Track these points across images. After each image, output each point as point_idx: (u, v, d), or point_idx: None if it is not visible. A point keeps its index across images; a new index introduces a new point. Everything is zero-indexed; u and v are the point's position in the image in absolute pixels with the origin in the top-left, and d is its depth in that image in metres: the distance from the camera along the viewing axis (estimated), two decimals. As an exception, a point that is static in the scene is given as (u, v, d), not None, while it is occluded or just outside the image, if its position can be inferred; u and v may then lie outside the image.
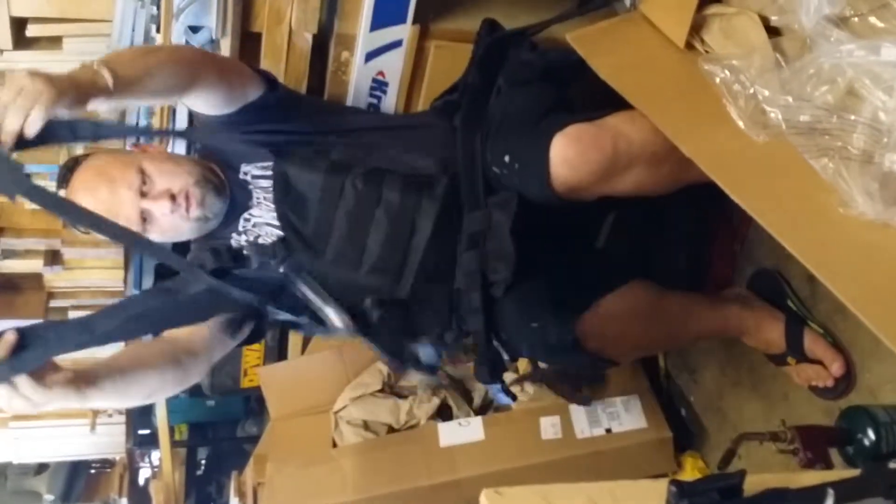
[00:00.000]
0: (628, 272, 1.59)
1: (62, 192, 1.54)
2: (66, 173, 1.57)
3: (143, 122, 2.28)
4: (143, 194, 1.52)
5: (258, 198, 1.64)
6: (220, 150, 1.68)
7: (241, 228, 1.66)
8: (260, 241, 1.64)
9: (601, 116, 1.45)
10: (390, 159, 1.59)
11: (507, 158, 1.46)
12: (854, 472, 0.96)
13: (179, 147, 2.13)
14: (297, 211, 1.59)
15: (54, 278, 3.13)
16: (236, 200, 1.65)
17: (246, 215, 1.65)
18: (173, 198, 1.53)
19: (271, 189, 1.61)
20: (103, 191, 1.51)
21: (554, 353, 1.61)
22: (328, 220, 1.56)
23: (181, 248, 1.76)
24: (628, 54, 1.48)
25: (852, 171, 1.15)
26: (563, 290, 1.52)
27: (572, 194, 1.44)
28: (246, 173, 1.65)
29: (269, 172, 1.62)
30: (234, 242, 1.65)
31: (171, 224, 1.55)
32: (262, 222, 1.64)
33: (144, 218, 1.53)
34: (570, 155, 1.40)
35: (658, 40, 1.48)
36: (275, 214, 1.61)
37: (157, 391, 1.51)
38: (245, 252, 1.58)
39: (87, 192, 1.52)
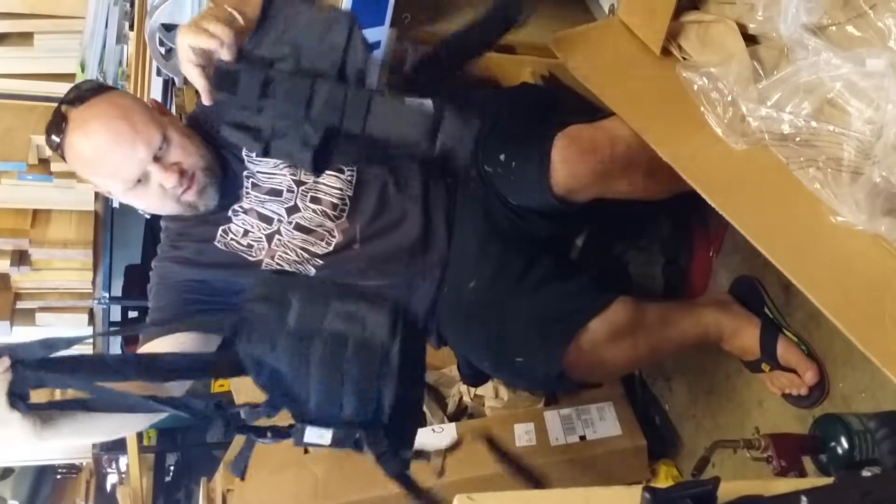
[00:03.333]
0: (606, 287, 1.58)
1: (68, 111, 1.47)
2: (81, 96, 1.49)
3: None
4: (155, 158, 1.47)
5: (247, 191, 1.60)
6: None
7: (229, 221, 1.61)
8: (248, 236, 1.60)
9: (598, 119, 1.45)
10: None
11: (502, 157, 1.46)
12: (828, 480, 0.96)
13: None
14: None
15: (21, 279, 3.09)
16: (227, 188, 1.60)
17: (237, 206, 1.61)
18: (182, 173, 1.48)
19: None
20: (121, 135, 1.45)
21: (538, 385, 1.62)
22: None
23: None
24: (607, 59, 1.48)
25: (839, 182, 1.15)
26: (544, 317, 1.50)
27: (568, 196, 1.43)
28: (248, 154, 1.60)
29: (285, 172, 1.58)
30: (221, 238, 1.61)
31: (160, 198, 1.51)
32: (252, 209, 1.61)
33: (141, 180, 1.47)
34: (569, 156, 1.40)
35: (636, 46, 1.48)
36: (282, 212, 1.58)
37: (124, 425, 1.46)
38: None
39: (102, 130, 1.45)
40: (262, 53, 1.22)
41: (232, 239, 1.60)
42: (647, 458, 1.95)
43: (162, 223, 1.67)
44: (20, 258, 3.03)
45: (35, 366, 1.09)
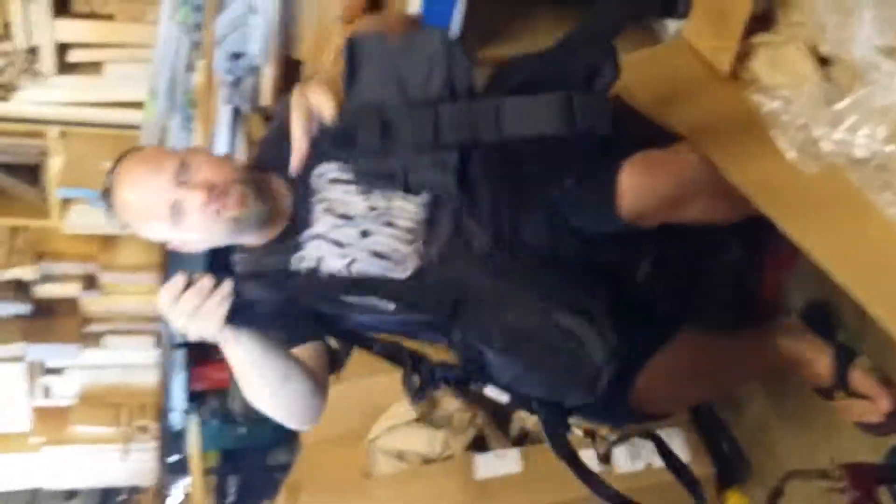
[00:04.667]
0: (674, 316, 1.56)
1: (110, 180, 1.48)
2: (114, 165, 1.51)
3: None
4: (180, 183, 1.42)
5: (318, 217, 1.55)
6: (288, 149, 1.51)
7: (301, 248, 1.56)
8: (323, 264, 1.56)
9: (666, 143, 1.43)
10: None
11: (568, 181, 1.45)
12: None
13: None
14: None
15: (91, 303, 3.16)
16: (296, 215, 1.55)
17: (309, 231, 1.56)
18: (211, 189, 1.42)
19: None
20: (142, 176, 1.45)
21: (606, 419, 1.60)
22: None
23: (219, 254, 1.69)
24: (673, 82, 1.47)
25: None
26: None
27: (636, 221, 1.42)
28: (321, 175, 1.55)
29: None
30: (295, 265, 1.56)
31: (202, 222, 1.44)
32: (327, 236, 1.55)
33: (175, 210, 1.43)
34: (638, 181, 1.38)
35: (703, 68, 1.47)
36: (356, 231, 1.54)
37: (291, 392, 1.41)
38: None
39: (129, 179, 1.46)
40: (367, 100, 1.22)
41: (307, 269, 1.55)
42: (716, 485, 1.92)
43: (232, 258, 1.63)
44: (90, 283, 3.11)
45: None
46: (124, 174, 1.47)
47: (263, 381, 1.38)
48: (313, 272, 1.54)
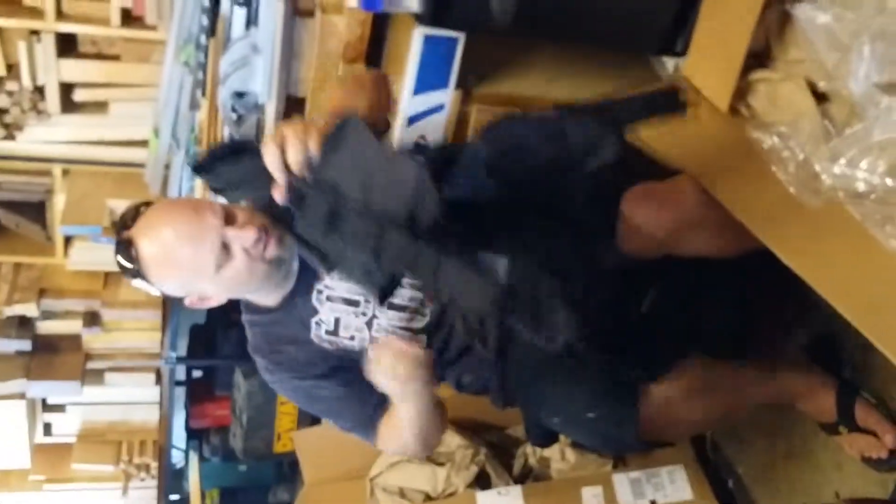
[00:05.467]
0: (679, 345, 1.56)
1: (128, 233, 1.40)
2: (135, 213, 1.43)
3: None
4: (228, 224, 1.38)
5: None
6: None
7: (317, 312, 1.55)
8: (344, 328, 1.54)
9: (670, 176, 1.45)
10: None
11: (571, 213, 1.45)
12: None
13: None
14: None
15: (92, 340, 3.16)
16: (303, 268, 1.52)
17: (319, 286, 1.54)
18: (260, 228, 1.39)
19: None
20: (185, 217, 1.38)
21: (609, 443, 1.59)
22: None
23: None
24: (673, 119, 1.48)
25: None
26: (616, 371, 1.49)
27: (638, 252, 1.43)
28: None
29: None
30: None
31: (248, 264, 1.40)
32: (337, 296, 1.54)
33: (224, 249, 1.38)
34: (640, 211, 1.40)
35: (703, 106, 1.48)
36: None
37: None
38: None
39: (164, 222, 1.39)
40: (330, 178, 1.19)
41: (327, 332, 1.54)
42: (721, 523, 1.91)
43: (244, 319, 1.61)
44: (92, 319, 3.11)
45: None
46: (158, 222, 1.39)
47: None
48: (333, 333, 1.55)
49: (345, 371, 1.58)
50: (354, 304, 1.53)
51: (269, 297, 1.52)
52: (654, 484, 1.93)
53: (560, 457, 2.06)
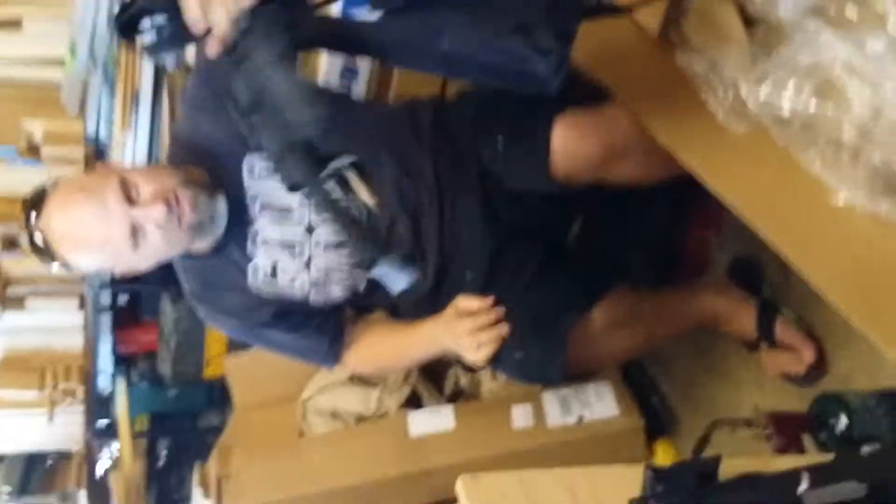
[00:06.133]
0: (603, 276, 1.58)
1: (34, 220, 1.38)
2: (37, 200, 1.41)
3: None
4: (131, 202, 1.35)
5: (256, 214, 1.51)
6: (209, 138, 1.49)
7: (253, 256, 1.53)
8: (283, 272, 1.53)
9: (598, 103, 1.44)
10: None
11: (500, 140, 1.45)
12: (828, 457, 0.97)
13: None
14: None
15: (12, 265, 3.07)
16: (233, 213, 1.49)
17: (253, 229, 1.52)
18: (167, 202, 1.36)
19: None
20: (86, 206, 1.35)
21: (534, 378, 1.63)
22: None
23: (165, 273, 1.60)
24: (605, 43, 1.47)
25: (839, 163, 1.16)
26: (542, 312, 1.51)
27: (567, 180, 1.43)
28: (250, 170, 1.49)
29: None
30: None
31: (165, 236, 1.39)
32: (273, 239, 1.52)
33: (135, 232, 1.37)
34: (569, 140, 1.40)
35: (634, 31, 1.47)
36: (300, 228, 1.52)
37: None
38: None
39: (68, 212, 1.36)
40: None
41: (265, 276, 1.53)
42: (645, 437, 1.96)
43: (177, 264, 1.57)
44: (11, 245, 3.01)
45: None
46: (63, 213, 1.36)
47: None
48: (271, 278, 1.52)
49: (290, 316, 1.59)
50: (290, 246, 1.52)
51: (199, 244, 1.49)
52: (582, 401, 1.97)
53: (491, 376, 2.09)
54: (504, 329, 1.48)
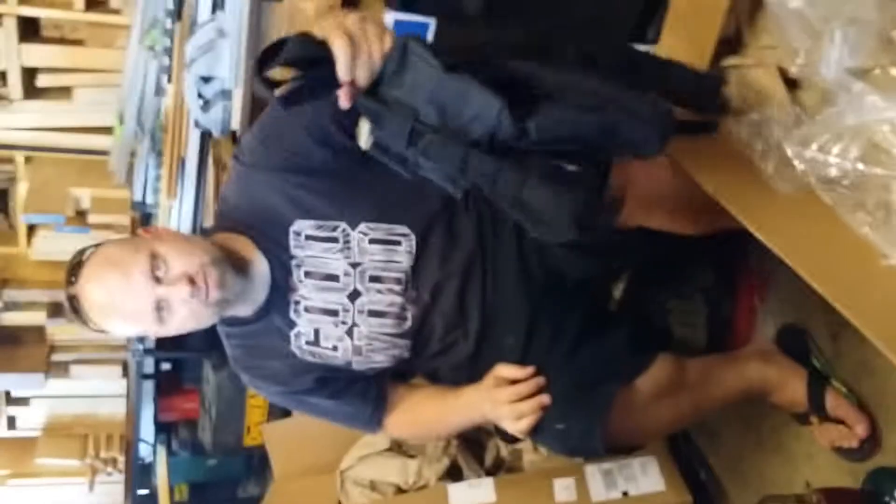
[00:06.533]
0: (646, 343, 1.54)
1: (72, 290, 1.40)
2: (76, 265, 1.42)
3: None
4: (157, 280, 1.37)
5: (300, 280, 1.50)
6: (260, 200, 1.50)
7: (295, 325, 1.53)
8: (325, 339, 1.53)
9: None
10: None
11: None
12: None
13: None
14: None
15: (57, 331, 3.11)
16: (276, 280, 1.49)
17: (295, 297, 1.51)
18: (192, 281, 1.37)
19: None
20: (113, 280, 1.37)
21: (576, 451, 1.59)
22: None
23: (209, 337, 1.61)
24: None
25: (888, 225, 1.12)
26: (583, 382, 1.48)
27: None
28: (298, 233, 1.49)
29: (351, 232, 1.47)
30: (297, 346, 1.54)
31: (191, 312, 1.40)
32: (314, 307, 1.52)
33: (160, 307, 1.38)
34: (620, 178, 1.38)
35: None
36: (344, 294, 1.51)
37: None
38: None
39: (97, 283, 1.39)
40: (400, 98, 1.10)
41: (307, 343, 1.52)
42: (693, 514, 1.90)
43: (219, 329, 1.58)
44: (55, 310, 3.06)
45: None
46: (93, 283, 1.39)
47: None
48: (314, 344, 1.52)
49: (333, 382, 1.58)
50: (333, 313, 1.51)
51: (241, 310, 1.50)
52: (626, 475, 1.92)
53: (532, 448, 2.04)
54: (545, 399, 1.44)
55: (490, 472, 2.09)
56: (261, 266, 1.48)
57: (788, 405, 1.64)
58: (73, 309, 1.42)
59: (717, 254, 1.79)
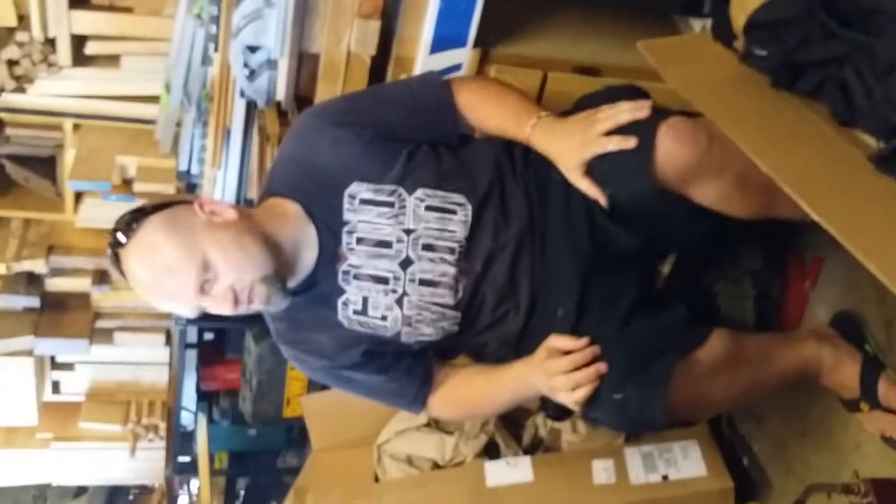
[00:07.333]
0: (701, 316, 1.51)
1: (119, 250, 1.39)
2: (124, 229, 1.40)
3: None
4: (203, 291, 1.38)
5: (350, 247, 1.49)
6: (321, 160, 1.49)
7: (343, 292, 1.51)
8: (373, 307, 1.51)
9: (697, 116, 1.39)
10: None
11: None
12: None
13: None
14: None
15: (102, 298, 3.14)
16: (325, 248, 1.49)
17: (344, 267, 1.50)
18: (235, 299, 1.39)
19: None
20: (159, 276, 1.37)
21: (635, 424, 1.56)
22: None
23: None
24: (702, 68, 1.41)
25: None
26: (641, 352, 1.44)
27: (664, 183, 1.37)
28: (353, 196, 1.48)
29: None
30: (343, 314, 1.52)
31: (229, 311, 1.42)
32: (364, 274, 1.50)
33: (200, 309, 1.42)
34: (671, 142, 1.34)
35: (734, 61, 1.41)
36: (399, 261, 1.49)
37: None
38: None
39: (143, 268, 1.38)
40: None
41: (355, 312, 1.50)
42: (734, 501, 1.86)
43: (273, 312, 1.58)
44: (101, 277, 3.09)
45: None
46: (139, 265, 1.38)
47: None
48: (361, 313, 1.51)
49: (380, 357, 1.56)
50: (383, 281, 1.49)
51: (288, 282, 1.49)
52: (667, 459, 1.89)
53: (571, 428, 2.02)
54: (602, 367, 1.41)
55: (528, 451, 2.07)
56: (310, 236, 1.48)
57: (839, 389, 1.60)
58: (114, 263, 1.43)
59: (766, 236, 1.74)
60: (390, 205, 1.47)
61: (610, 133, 1.37)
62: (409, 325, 1.51)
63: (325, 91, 1.92)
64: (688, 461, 1.88)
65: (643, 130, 1.36)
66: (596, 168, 1.39)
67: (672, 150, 1.35)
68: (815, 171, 1.18)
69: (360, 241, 1.48)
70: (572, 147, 1.40)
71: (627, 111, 1.37)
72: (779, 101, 1.29)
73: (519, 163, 1.54)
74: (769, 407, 1.90)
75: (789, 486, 1.82)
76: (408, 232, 1.48)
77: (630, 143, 1.34)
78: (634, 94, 1.48)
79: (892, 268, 1.02)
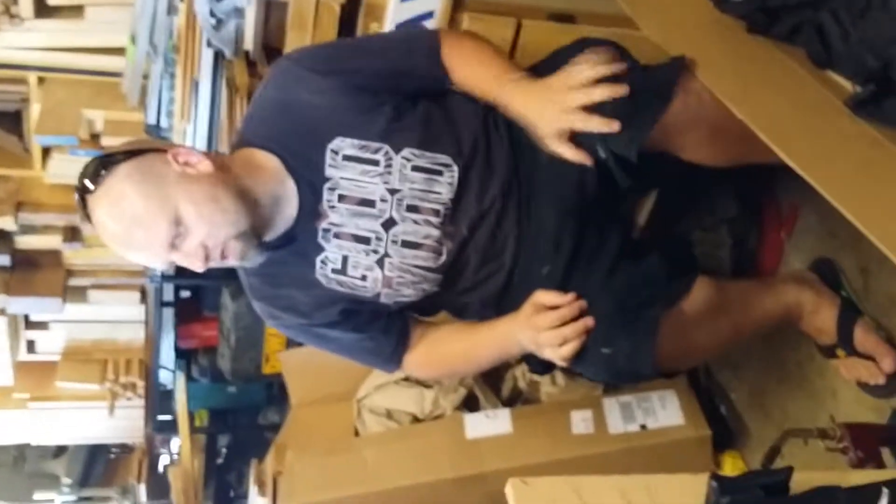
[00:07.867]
0: (683, 265, 1.50)
1: (88, 197, 1.34)
2: (92, 176, 1.35)
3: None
4: (173, 246, 1.34)
5: (331, 204, 1.45)
6: (301, 114, 1.45)
7: (322, 249, 1.48)
8: (353, 267, 1.48)
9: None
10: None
11: None
12: (910, 472, 0.90)
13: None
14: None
15: (73, 255, 3.10)
16: (304, 204, 1.45)
17: (324, 225, 1.46)
18: (206, 256, 1.36)
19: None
20: (129, 229, 1.33)
21: (622, 377, 1.54)
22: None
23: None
24: (678, 15, 1.37)
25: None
26: (627, 304, 1.42)
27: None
28: (336, 151, 1.44)
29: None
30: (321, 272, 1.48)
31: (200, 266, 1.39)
32: (345, 232, 1.46)
33: (171, 262, 1.39)
34: None
35: (709, 5, 1.38)
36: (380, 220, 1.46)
37: None
38: None
39: (112, 219, 1.33)
40: None
41: (333, 270, 1.47)
42: (712, 448, 1.88)
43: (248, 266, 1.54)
44: (72, 234, 3.05)
45: None
46: (107, 216, 1.33)
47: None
48: (340, 272, 1.47)
49: (356, 315, 1.53)
50: (364, 241, 1.45)
51: (266, 236, 1.45)
52: (645, 409, 1.90)
53: (550, 380, 2.02)
54: (589, 321, 1.39)
55: (507, 404, 2.08)
56: (289, 191, 1.43)
57: (816, 334, 1.60)
58: (82, 210, 1.38)
59: (741, 185, 1.73)
60: (375, 163, 1.42)
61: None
62: (390, 287, 1.48)
63: (295, 40, 1.88)
64: (666, 410, 1.89)
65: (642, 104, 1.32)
66: (583, 136, 1.35)
67: None
68: (790, 116, 1.15)
69: (341, 198, 1.44)
70: (550, 115, 1.35)
71: (602, 91, 1.31)
72: (755, 47, 1.26)
73: (502, 113, 1.50)
74: (746, 355, 1.90)
75: (767, 433, 1.83)
76: (392, 192, 1.43)
77: (614, 126, 1.30)
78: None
79: (867, 213, 1.00)
